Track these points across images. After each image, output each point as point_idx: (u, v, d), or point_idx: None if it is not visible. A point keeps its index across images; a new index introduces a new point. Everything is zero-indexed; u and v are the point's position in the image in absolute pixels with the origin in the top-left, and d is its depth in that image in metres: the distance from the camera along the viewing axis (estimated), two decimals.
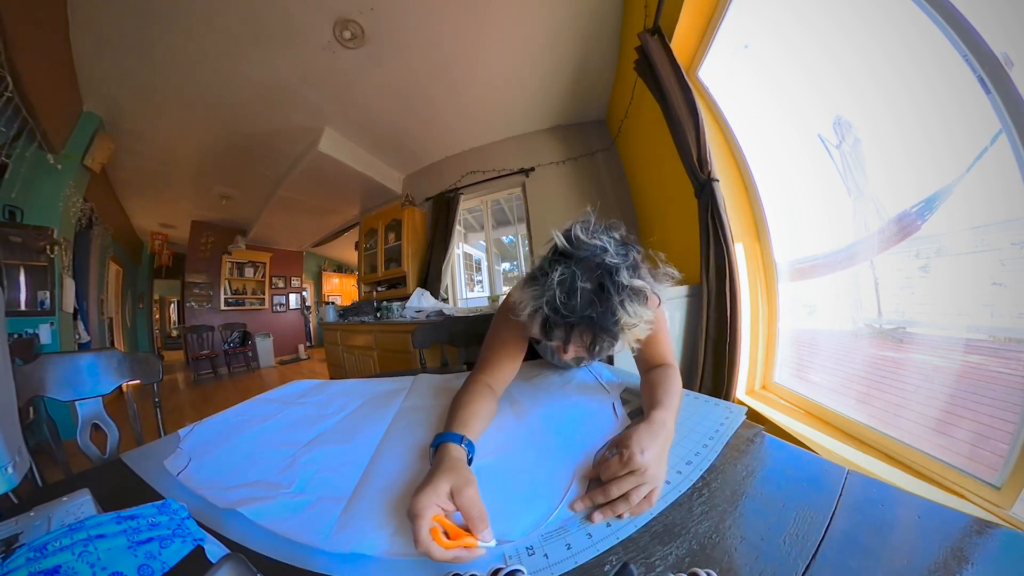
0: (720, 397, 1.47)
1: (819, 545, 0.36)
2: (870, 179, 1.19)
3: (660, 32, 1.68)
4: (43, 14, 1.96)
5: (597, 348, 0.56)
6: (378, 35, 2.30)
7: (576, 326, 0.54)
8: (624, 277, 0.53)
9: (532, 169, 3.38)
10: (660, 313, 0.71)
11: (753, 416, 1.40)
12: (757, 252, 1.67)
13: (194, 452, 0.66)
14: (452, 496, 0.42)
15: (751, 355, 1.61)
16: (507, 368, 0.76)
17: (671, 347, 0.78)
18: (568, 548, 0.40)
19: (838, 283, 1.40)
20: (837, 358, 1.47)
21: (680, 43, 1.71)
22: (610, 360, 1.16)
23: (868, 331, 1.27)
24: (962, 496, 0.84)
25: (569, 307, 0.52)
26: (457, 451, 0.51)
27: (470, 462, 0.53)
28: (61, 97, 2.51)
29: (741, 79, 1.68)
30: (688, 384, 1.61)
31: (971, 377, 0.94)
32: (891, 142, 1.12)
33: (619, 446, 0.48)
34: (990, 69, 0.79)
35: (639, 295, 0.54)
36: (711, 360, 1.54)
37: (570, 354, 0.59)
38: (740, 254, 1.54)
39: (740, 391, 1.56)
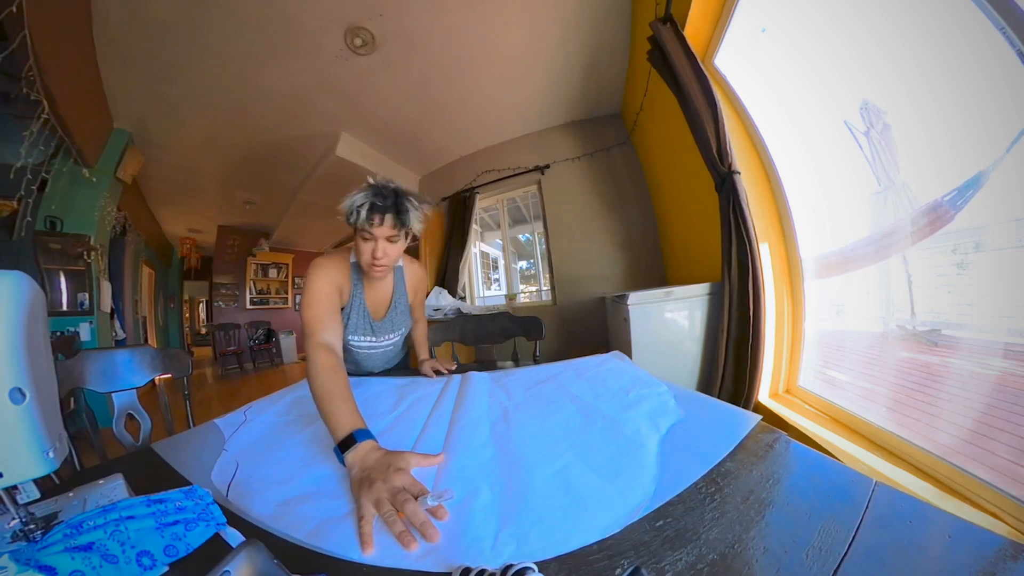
0: (741, 400, 1.43)
1: (841, 561, 0.34)
2: (902, 167, 1.12)
3: (672, 20, 1.63)
4: (71, 40, 2.10)
5: (402, 226, 0.88)
6: (388, 40, 2.33)
7: (387, 210, 0.85)
8: (405, 188, 0.90)
9: (547, 166, 3.35)
10: (423, 276, 1.21)
11: (776, 421, 1.35)
12: (781, 247, 1.60)
13: (240, 457, 0.64)
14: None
15: (775, 357, 1.55)
16: (336, 319, 0.89)
17: (424, 306, 1.29)
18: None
19: (868, 281, 1.33)
20: (866, 361, 1.40)
21: (694, 30, 1.65)
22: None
23: (900, 333, 1.21)
24: (997, 517, 0.79)
25: (384, 197, 0.86)
26: (374, 449, 0.54)
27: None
28: (93, 116, 2.68)
29: (760, 65, 1.61)
30: (707, 386, 1.58)
31: (1012, 386, 0.87)
32: (919, 125, 1.05)
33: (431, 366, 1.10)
34: None
35: (416, 198, 0.91)
36: (732, 361, 1.48)
37: (383, 233, 0.87)
38: (764, 250, 1.48)
39: (763, 394, 1.50)
